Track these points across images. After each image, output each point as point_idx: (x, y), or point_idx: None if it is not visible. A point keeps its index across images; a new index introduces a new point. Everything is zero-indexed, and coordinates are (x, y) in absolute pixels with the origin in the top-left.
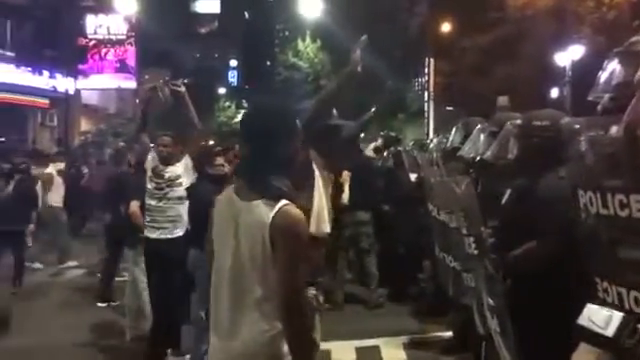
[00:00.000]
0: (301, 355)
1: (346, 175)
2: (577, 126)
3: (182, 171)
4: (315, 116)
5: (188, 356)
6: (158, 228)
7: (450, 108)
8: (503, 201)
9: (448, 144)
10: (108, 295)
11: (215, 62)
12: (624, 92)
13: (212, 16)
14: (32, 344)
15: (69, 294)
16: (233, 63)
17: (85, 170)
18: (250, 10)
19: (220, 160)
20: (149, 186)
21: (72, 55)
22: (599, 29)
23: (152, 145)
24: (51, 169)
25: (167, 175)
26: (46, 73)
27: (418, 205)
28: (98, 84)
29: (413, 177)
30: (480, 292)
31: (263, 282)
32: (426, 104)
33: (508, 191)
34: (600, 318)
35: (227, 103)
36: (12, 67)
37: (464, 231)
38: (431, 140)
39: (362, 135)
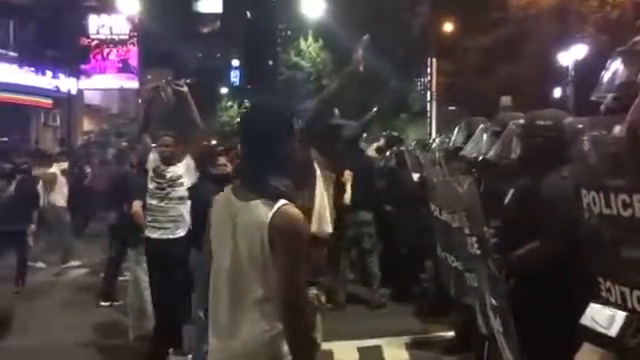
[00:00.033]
0: (301, 355)
1: (348, 175)
2: (580, 126)
3: (184, 171)
4: (316, 116)
5: (190, 356)
6: (159, 228)
7: (453, 108)
8: (506, 201)
9: (451, 144)
10: (111, 294)
11: (217, 62)
12: (627, 92)
13: (214, 16)
14: (35, 343)
15: (72, 294)
16: (235, 63)
17: (88, 170)
18: (252, 10)
19: (222, 160)
20: (150, 186)
21: (75, 55)
22: (602, 28)
23: (154, 145)
24: (55, 169)
25: (169, 175)
26: (49, 73)
27: (420, 205)
28: (101, 84)
29: (415, 177)
30: (483, 292)
31: (262, 282)
32: (428, 104)
33: (511, 191)
34: (603, 318)
35: (229, 103)
36: (15, 67)
37: (467, 231)
38: (433, 140)
39: (364, 135)
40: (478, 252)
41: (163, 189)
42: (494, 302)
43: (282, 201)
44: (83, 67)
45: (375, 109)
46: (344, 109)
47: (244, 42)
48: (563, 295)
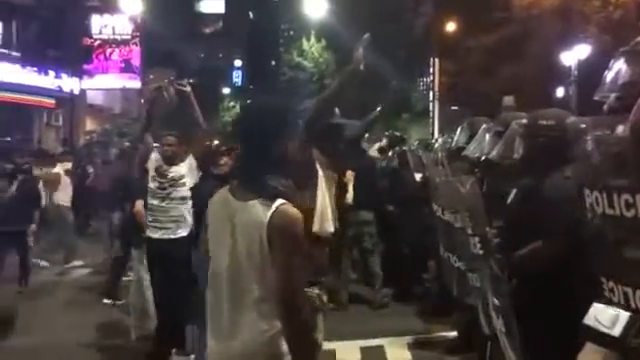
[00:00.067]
0: (301, 354)
1: (350, 175)
2: (583, 125)
3: (186, 171)
4: (317, 115)
5: (192, 356)
6: (160, 228)
7: (455, 108)
8: (508, 201)
9: (453, 144)
10: (114, 293)
11: (220, 62)
12: (630, 91)
13: (217, 16)
14: (38, 343)
15: (75, 293)
16: (238, 63)
17: (90, 170)
18: (255, 10)
19: (224, 160)
20: (151, 185)
21: (77, 55)
22: (605, 28)
23: (156, 145)
24: (58, 169)
25: (171, 175)
26: (52, 73)
27: (423, 205)
28: (103, 84)
29: (418, 177)
30: (485, 292)
31: (261, 282)
32: (431, 104)
33: (514, 191)
34: (606, 318)
35: (232, 103)
36: (18, 67)
37: (469, 231)
38: (436, 140)
39: (367, 135)
40: (481, 252)
41: (165, 189)
42: (497, 302)
43: (280, 201)
44: (86, 67)
45: (378, 109)
46: (347, 109)
47: (246, 42)
48: (566, 295)
